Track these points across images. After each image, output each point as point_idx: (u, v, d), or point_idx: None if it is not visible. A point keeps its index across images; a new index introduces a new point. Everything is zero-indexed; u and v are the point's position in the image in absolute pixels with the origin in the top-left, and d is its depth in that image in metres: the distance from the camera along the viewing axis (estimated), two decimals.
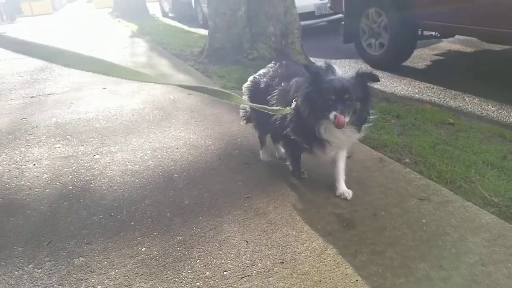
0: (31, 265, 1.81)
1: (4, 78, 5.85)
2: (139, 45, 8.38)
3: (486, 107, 3.80)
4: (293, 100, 1.99)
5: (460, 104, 3.94)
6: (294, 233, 1.87)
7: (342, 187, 2.17)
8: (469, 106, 3.87)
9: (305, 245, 1.78)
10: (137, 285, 1.63)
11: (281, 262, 1.68)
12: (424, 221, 1.89)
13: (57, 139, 3.33)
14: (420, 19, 4.77)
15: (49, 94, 4.79)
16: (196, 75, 5.25)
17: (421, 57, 5.81)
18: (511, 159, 2.63)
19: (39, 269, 1.79)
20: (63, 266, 1.79)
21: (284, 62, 2.43)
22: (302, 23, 7.65)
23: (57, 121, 3.76)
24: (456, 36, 6.20)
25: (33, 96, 4.74)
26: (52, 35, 11.60)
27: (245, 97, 2.42)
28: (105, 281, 1.67)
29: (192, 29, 10.66)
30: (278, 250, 1.76)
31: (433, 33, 5.17)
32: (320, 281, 1.55)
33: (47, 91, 4.94)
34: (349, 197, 2.13)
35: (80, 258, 1.84)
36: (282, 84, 2.16)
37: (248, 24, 5.67)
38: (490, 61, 5.53)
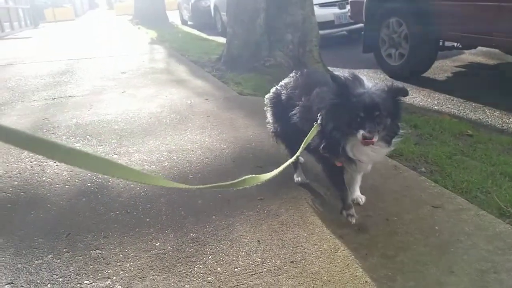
0: (50, 255, 1.88)
1: (27, 80, 6.04)
2: (158, 51, 8.55)
3: (507, 121, 3.75)
4: (318, 115, 1.85)
5: (480, 117, 3.90)
6: (305, 234, 1.90)
7: (356, 193, 2.15)
8: (490, 119, 3.83)
9: (315, 246, 1.80)
10: (151, 277, 1.68)
11: (291, 262, 1.71)
12: (437, 228, 1.89)
13: (77, 138, 3.43)
14: (441, 30, 4.75)
15: (70, 96, 4.93)
16: (213, 81, 5.34)
17: (442, 68, 5.78)
18: None
19: (57, 259, 1.85)
20: (80, 257, 1.85)
21: (305, 70, 2.33)
22: (322, 32, 7.69)
23: (77, 122, 3.87)
24: (479, 48, 6.15)
25: (55, 98, 4.89)
26: (73, 40, 11.93)
27: (267, 109, 2.39)
28: (120, 273, 1.73)
29: (211, 37, 10.83)
30: (289, 250, 1.79)
31: (455, 44, 5.13)
32: (330, 281, 1.57)
33: (68, 94, 5.09)
34: (361, 203, 2.12)
35: (97, 250, 1.90)
36: (303, 98, 2.03)
37: (266, 32, 5.75)
38: None
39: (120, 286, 1.65)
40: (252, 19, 5.67)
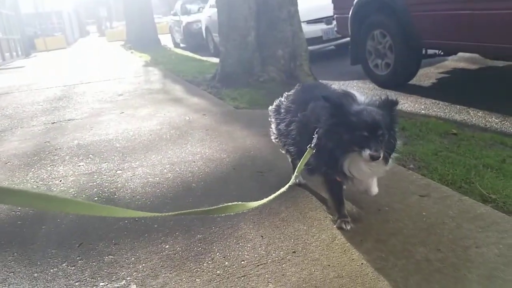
0: (64, 264, 1.99)
1: (24, 108, 6.18)
2: (153, 73, 8.77)
3: (490, 119, 3.94)
4: (314, 133, 1.85)
5: (465, 118, 4.08)
6: (305, 227, 2.03)
7: (375, 188, 2.07)
8: (474, 119, 4.01)
9: (315, 237, 1.94)
10: (163, 275, 1.80)
11: (293, 252, 1.84)
12: (424, 213, 2.04)
13: (80, 158, 3.56)
14: (422, 38, 4.96)
15: (69, 120, 5.07)
16: (209, 98, 5.52)
17: (427, 75, 6.00)
18: (510, 162, 2.76)
19: (72, 266, 1.96)
20: (94, 263, 1.97)
21: (303, 84, 2.35)
22: (311, 47, 7.93)
23: (79, 143, 4.01)
24: (461, 55, 6.40)
25: (54, 122, 5.02)
26: (67, 67, 12.15)
27: (271, 120, 2.44)
28: (134, 274, 1.84)
29: (204, 58, 11.08)
30: (290, 242, 1.92)
31: (437, 51, 5.36)
32: (329, 265, 1.70)
33: (67, 117, 5.23)
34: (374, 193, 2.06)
35: (109, 256, 2.01)
36: (299, 114, 2.05)
37: (258, 49, 5.97)
38: (494, 77, 5.69)
39: (135, 285, 1.77)
40: (244, 37, 5.90)
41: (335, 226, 2.01)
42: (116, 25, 38.66)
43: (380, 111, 1.72)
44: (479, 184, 2.42)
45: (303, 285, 1.62)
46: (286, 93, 2.38)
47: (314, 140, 1.83)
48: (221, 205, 1.38)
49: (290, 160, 2.50)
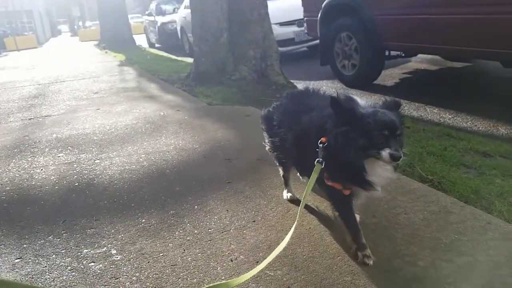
0: (50, 236, 2.22)
1: (0, 105, 6.25)
2: (128, 72, 8.92)
3: (444, 115, 4.35)
4: (319, 143, 1.71)
5: (422, 114, 4.49)
6: (265, 202, 2.34)
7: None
8: (429, 115, 4.42)
9: (272, 209, 2.25)
10: (140, 242, 2.06)
11: (253, 221, 2.15)
12: None
13: (60, 150, 3.76)
14: (385, 41, 5.33)
15: (46, 116, 5.22)
16: (183, 95, 5.77)
17: (391, 75, 6.43)
18: (451, 150, 3.15)
19: (58, 238, 2.20)
20: (77, 235, 2.21)
21: (291, 92, 2.26)
22: (284, 49, 8.26)
23: (57, 136, 4.19)
24: (424, 56, 6.88)
25: (31, 118, 5.16)
26: (41, 66, 12.08)
27: (263, 129, 2.30)
28: (114, 242, 2.10)
29: (179, 58, 11.28)
30: (251, 213, 2.23)
31: (399, 53, 5.74)
32: (282, 230, 2.02)
33: (44, 114, 5.37)
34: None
35: (92, 229, 2.26)
36: (294, 128, 1.94)
37: (230, 49, 6.27)
38: (451, 77, 6.17)
39: (115, 250, 2.02)
40: (216, 38, 6.18)
41: (357, 260, 1.77)
42: (89, 24, 38.13)
43: (392, 112, 1.66)
44: (420, 168, 2.79)
45: (260, 245, 1.93)
46: (275, 103, 2.23)
47: (320, 153, 1.70)
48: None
49: (281, 174, 2.38)
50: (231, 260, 1.84)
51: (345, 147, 1.61)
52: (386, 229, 1.96)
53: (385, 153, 1.55)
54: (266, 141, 2.28)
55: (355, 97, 1.79)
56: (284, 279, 1.68)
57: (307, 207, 2.23)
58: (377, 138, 1.57)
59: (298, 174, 2.30)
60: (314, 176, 1.70)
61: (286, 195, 2.38)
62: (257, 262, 1.80)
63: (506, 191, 2.40)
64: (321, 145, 1.69)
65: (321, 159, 1.69)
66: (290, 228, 1.89)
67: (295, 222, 1.63)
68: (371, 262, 1.73)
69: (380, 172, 1.66)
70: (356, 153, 1.60)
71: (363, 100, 1.77)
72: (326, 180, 1.76)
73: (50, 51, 20.88)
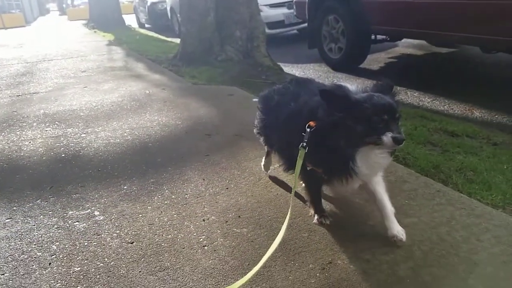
0: (38, 200, 2.39)
1: None
2: (116, 52, 8.95)
3: (423, 99, 4.51)
4: (306, 127, 1.65)
5: (402, 97, 4.62)
6: (239, 172, 2.53)
7: (396, 227, 1.76)
8: (410, 99, 4.58)
9: (245, 179, 2.45)
10: (121, 205, 2.25)
11: (226, 188, 2.34)
12: None
13: (47, 124, 3.89)
14: (371, 25, 5.42)
15: (34, 93, 5.31)
16: (169, 75, 5.89)
17: (377, 60, 6.54)
18: (421, 130, 3.34)
19: (45, 202, 2.37)
20: (63, 199, 2.38)
21: (295, 78, 2.22)
22: (273, 31, 8.30)
23: (45, 112, 4.31)
24: (410, 41, 6.97)
25: (19, 95, 5.25)
26: (29, 45, 12.00)
27: (259, 105, 2.25)
28: (97, 205, 2.28)
29: (169, 39, 11.29)
30: (226, 182, 2.42)
31: (385, 37, 5.84)
32: (252, 195, 2.23)
33: (31, 91, 5.46)
34: (403, 239, 1.74)
35: (77, 194, 2.43)
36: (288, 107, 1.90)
37: (217, 29, 6.36)
38: (436, 62, 6.33)
39: (98, 212, 2.21)
40: (203, 18, 6.27)
41: (313, 222, 1.93)
42: (77, 3, 37.42)
43: (387, 95, 1.60)
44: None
45: (230, 207, 2.13)
46: (276, 86, 2.20)
47: (306, 138, 1.65)
48: None
49: (266, 151, 2.41)
50: (203, 220, 2.04)
51: (342, 137, 1.54)
52: (344, 196, 2.16)
53: (387, 137, 1.48)
54: (257, 121, 2.25)
55: (344, 83, 1.73)
56: (249, 235, 1.88)
57: (274, 178, 2.43)
58: (376, 123, 1.50)
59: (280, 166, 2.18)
60: (299, 161, 1.66)
61: (263, 164, 2.45)
62: (226, 221, 2.00)
63: (464, 166, 2.59)
64: (308, 129, 1.64)
65: (305, 144, 1.64)
66: (259, 195, 2.11)
67: (288, 214, 1.61)
68: (327, 222, 1.89)
69: (375, 160, 1.60)
70: (354, 142, 1.54)
71: (353, 86, 1.71)
72: (307, 164, 1.72)
73: (38, 30, 20.58)
